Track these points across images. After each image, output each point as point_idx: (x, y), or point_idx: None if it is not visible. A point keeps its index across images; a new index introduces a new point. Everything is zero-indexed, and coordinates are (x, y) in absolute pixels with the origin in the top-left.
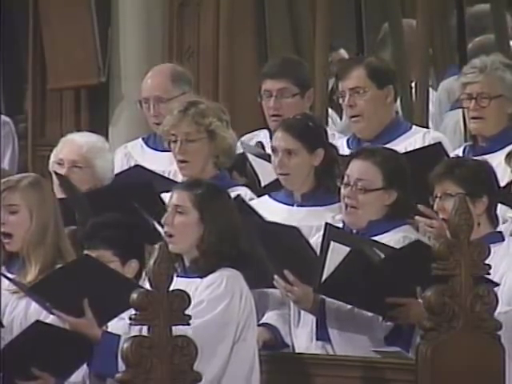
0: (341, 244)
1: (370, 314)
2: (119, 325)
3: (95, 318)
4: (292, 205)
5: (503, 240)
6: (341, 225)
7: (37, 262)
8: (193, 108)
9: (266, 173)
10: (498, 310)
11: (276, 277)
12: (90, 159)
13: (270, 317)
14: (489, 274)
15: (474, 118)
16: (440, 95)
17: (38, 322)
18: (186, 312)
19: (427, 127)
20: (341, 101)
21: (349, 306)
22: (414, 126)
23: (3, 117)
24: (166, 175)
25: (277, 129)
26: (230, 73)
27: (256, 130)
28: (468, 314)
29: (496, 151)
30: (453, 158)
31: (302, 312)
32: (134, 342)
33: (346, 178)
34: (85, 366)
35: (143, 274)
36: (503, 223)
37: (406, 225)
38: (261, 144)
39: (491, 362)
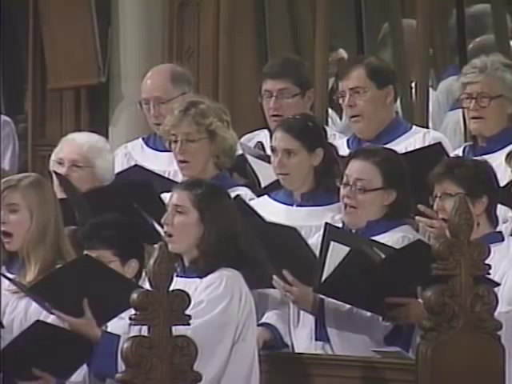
0: (340, 244)
1: (369, 314)
2: (119, 325)
3: (95, 317)
4: (291, 205)
5: (503, 240)
6: (340, 225)
7: (37, 262)
8: (193, 108)
9: (265, 174)
10: (499, 309)
11: (275, 277)
12: (90, 159)
13: (269, 317)
14: (489, 273)
15: (474, 117)
16: (438, 95)
17: (38, 321)
18: (186, 312)
19: (427, 127)
20: (341, 101)
21: (348, 306)
22: (414, 126)
23: (4, 117)
24: (166, 175)
25: (276, 129)
26: (230, 73)
27: (256, 130)
28: (468, 314)
29: (496, 151)
30: (453, 157)
31: (302, 312)
32: (134, 342)
33: (345, 178)
34: (85, 365)
35: (143, 273)
36: (503, 223)
37: (406, 225)
38: (261, 144)
39: (491, 362)
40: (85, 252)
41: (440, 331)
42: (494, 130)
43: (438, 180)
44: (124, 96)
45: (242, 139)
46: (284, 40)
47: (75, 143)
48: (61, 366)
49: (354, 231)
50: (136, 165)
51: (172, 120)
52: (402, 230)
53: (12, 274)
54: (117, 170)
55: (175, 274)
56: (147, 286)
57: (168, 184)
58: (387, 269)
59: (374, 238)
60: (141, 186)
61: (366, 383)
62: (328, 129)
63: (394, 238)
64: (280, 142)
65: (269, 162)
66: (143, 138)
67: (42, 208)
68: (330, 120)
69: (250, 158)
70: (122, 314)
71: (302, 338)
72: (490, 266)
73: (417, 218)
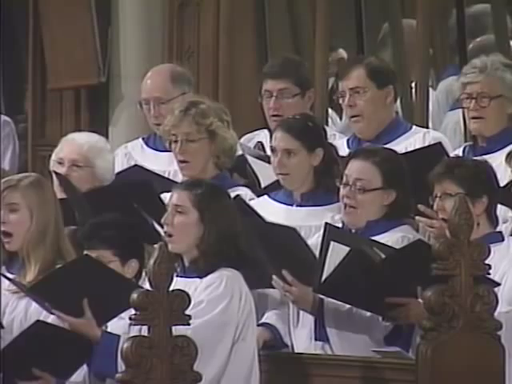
0: (340, 244)
1: (368, 314)
2: (119, 325)
3: (95, 317)
4: (291, 205)
5: (503, 240)
6: (340, 225)
7: (37, 262)
8: (193, 108)
9: (265, 174)
10: (499, 309)
11: (274, 277)
12: (90, 159)
13: (269, 317)
14: (489, 273)
15: (474, 117)
16: (438, 95)
17: (38, 321)
18: (186, 312)
19: (427, 127)
20: (341, 101)
21: (347, 306)
22: (413, 126)
23: (4, 117)
24: (166, 175)
25: (276, 129)
26: (230, 73)
27: (256, 130)
28: (468, 314)
29: (496, 151)
30: (453, 158)
31: (302, 312)
32: (134, 342)
33: (345, 178)
34: (85, 365)
35: (143, 273)
36: (503, 223)
37: (405, 225)
38: (261, 144)
39: (491, 362)
40: (85, 252)
41: (440, 331)
42: (494, 130)
43: (437, 180)
44: (124, 96)
45: (242, 139)
46: (284, 40)
47: (75, 143)
48: (61, 366)
49: (353, 231)
50: (136, 165)
51: (172, 120)
52: (401, 229)
53: (12, 273)
54: (117, 170)
55: (175, 274)
56: (147, 286)
57: (168, 184)
58: (387, 269)
59: (373, 237)
60: (141, 186)
61: (366, 383)
62: (328, 129)
63: (393, 237)
64: (280, 142)
65: (269, 162)
66: (143, 138)
67: (42, 208)
68: (330, 120)
69: (249, 158)
70: (122, 314)
71: (302, 338)
72: (490, 266)
73: (417, 218)
